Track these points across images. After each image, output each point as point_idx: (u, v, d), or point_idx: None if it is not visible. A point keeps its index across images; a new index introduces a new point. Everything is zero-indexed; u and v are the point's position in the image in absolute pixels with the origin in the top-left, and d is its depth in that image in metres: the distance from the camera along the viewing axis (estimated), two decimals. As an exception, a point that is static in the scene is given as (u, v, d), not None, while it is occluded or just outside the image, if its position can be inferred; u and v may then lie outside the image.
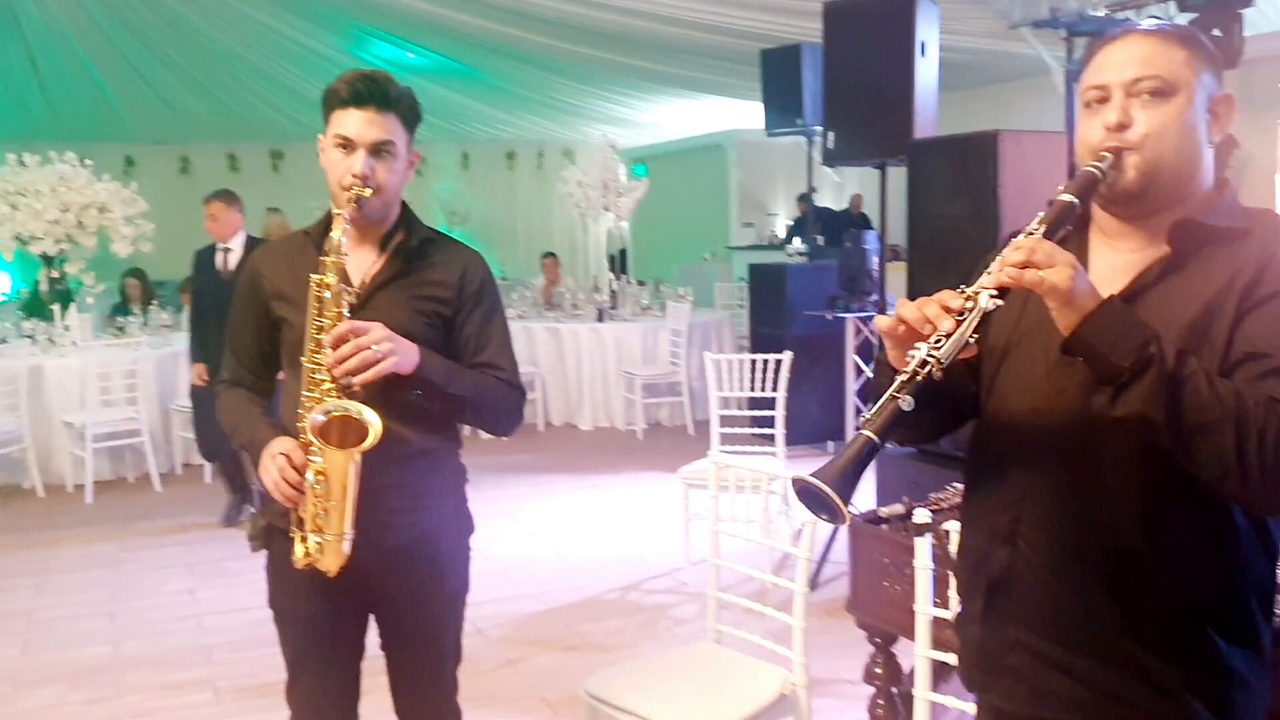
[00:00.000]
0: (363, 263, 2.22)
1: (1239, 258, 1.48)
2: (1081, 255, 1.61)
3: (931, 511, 2.60)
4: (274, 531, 2.27)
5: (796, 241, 12.66)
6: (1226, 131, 1.57)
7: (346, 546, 2.09)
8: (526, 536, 5.93)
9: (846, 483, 1.33)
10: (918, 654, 2.38)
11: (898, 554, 2.69)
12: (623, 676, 2.88)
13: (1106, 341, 1.39)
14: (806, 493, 1.34)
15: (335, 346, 2.03)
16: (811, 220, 10.19)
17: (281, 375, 2.33)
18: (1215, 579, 1.48)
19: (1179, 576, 1.47)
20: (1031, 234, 1.47)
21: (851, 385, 7.48)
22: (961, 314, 1.41)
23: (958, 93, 6.16)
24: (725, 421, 5.44)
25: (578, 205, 9.87)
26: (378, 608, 2.32)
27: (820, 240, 9.87)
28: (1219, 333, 1.45)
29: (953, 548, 2.35)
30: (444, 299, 2.25)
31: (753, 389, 5.36)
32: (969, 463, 1.72)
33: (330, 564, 2.10)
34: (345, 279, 2.13)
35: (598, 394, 8.97)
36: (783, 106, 8.20)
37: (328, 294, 2.08)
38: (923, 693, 2.39)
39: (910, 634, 2.75)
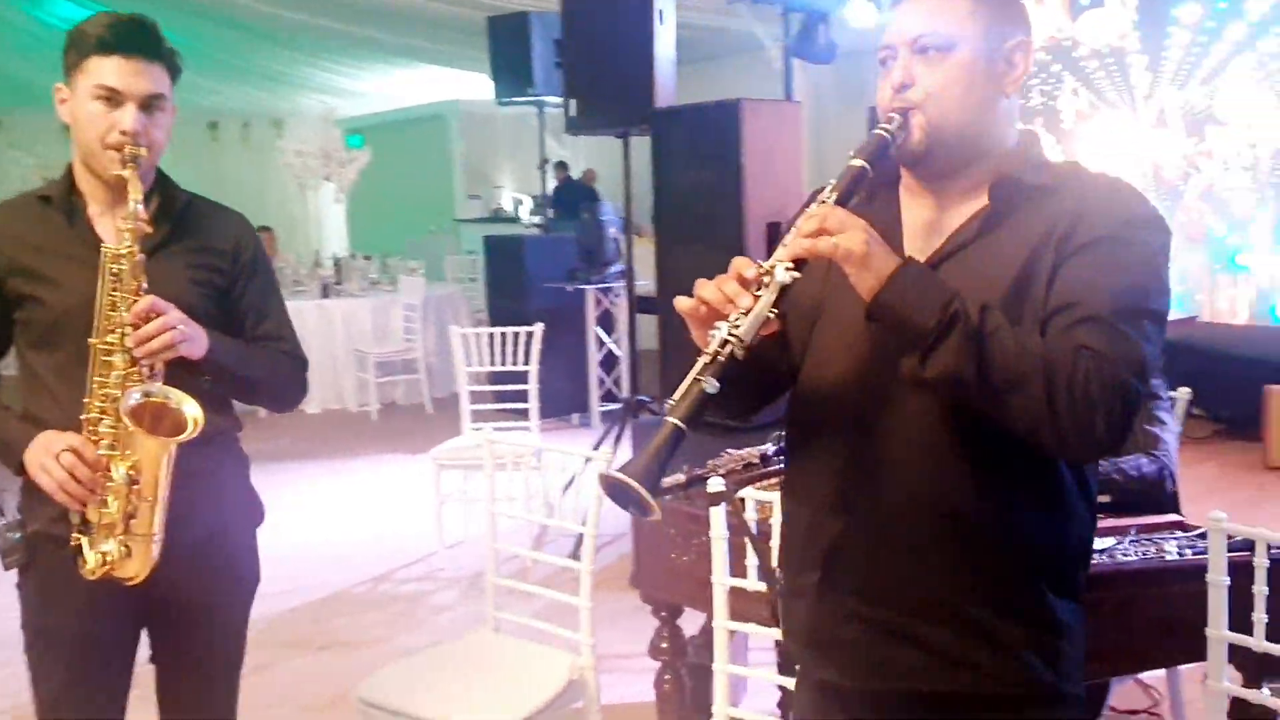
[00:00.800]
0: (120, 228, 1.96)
1: (1051, 212, 1.48)
2: (894, 216, 1.58)
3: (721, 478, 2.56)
4: (41, 541, 1.97)
5: (526, 212, 12.56)
6: (1020, 82, 1.58)
7: (156, 549, 1.88)
8: (260, 530, 5.53)
9: (654, 475, 1.31)
10: (716, 626, 2.34)
11: (685, 524, 2.64)
12: (398, 676, 2.69)
13: (909, 304, 1.37)
14: (614, 488, 1.32)
15: (138, 324, 1.82)
16: (545, 193, 10.13)
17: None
18: (1046, 534, 1.49)
19: (1012, 534, 1.47)
20: (824, 202, 1.43)
21: (594, 356, 7.47)
22: (759, 289, 1.37)
23: (682, 67, 6.24)
24: (472, 398, 5.27)
25: (297, 176, 9.35)
26: (155, 616, 2.07)
27: (551, 213, 9.79)
28: (1039, 288, 1.45)
29: (748, 515, 2.32)
30: (219, 267, 2.06)
31: (502, 363, 5.22)
32: (790, 433, 1.67)
33: (136, 569, 1.88)
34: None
35: (326, 374, 8.50)
36: (513, 75, 8.02)
37: (124, 266, 1.86)
38: (722, 665, 2.35)
39: (700, 605, 2.73)
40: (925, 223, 1.56)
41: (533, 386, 5.11)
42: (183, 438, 1.86)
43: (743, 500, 2.32)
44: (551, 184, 10.43)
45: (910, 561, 1.48)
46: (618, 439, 5.18)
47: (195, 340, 1.89)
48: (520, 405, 5.16)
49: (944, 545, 1.47)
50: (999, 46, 1.52)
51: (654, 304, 7.94)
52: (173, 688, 2.13)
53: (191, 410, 1.88)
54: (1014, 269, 1.46)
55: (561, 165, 9.58)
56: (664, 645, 2.85)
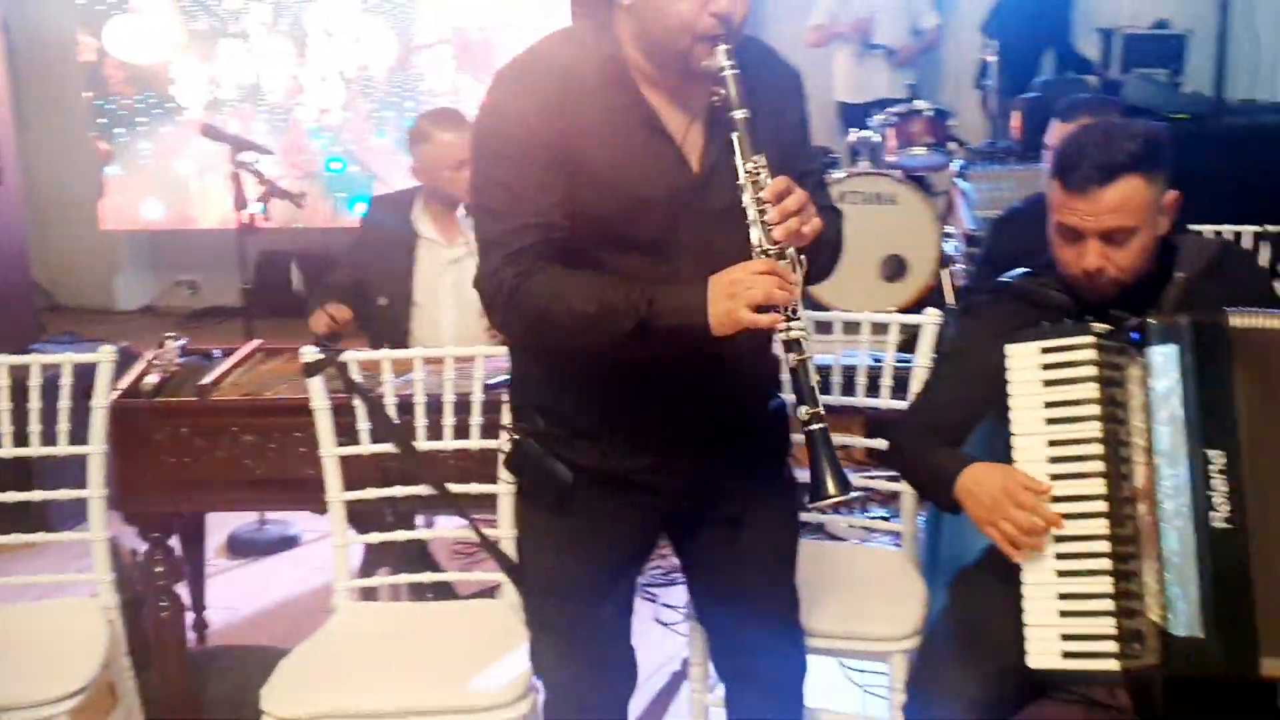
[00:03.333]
0: None
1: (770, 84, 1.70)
2: (651, 115, 1.64)
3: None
4: None
5: None
6: None
7: None
8: None
9: (844, 477, 1.53)
10: (331, 500, 2.20)
11: (210, 419, 2.37)
12: None
13: None
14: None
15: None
16: None
17: None
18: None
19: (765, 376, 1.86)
20: (759, 178, 1.54)
21: None
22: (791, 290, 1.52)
23: None
24: None
25: None
26: None
27: None
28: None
29: (355, 375, 2.22)
30: None
31: None
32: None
33: None
34: None
35: None
36: None
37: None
38: (341, 539, 2.23)
39: (229, 505, 2.60)
40: (679, 116, 1.66)
41: None
42: None
43: (344, 364, 2.21)
44: None
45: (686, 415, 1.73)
46: None
47: None
48: None
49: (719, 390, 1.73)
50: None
51: None
52: None
53: None
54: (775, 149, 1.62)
55: None
56: (158, 569, 2.48)
